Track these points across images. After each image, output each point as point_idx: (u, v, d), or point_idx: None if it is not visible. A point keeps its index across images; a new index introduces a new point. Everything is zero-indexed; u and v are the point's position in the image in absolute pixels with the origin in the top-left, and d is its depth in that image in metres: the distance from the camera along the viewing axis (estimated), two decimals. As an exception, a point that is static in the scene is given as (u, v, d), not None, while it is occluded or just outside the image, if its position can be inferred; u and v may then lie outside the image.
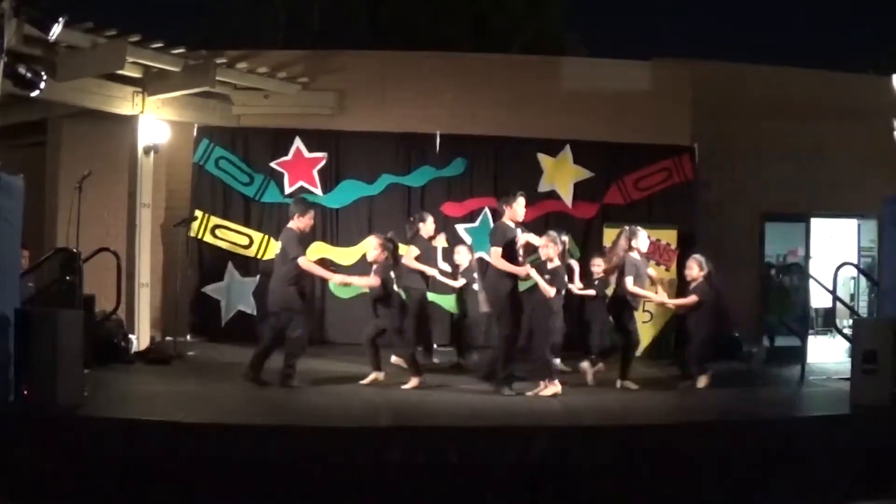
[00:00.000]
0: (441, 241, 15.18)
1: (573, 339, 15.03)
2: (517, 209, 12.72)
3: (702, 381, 13.19)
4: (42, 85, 11.28)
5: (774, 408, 12.29)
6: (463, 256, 15.05)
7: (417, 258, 14.46)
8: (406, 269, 14.26)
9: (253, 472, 9.19)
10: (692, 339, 13.46)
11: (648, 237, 14.14)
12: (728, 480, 9.77)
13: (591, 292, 14.89)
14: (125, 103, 16.00)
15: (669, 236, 16.76)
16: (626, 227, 13.91)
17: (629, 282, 13.48)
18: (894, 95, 14.12)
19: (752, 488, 9.80)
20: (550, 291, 12.28)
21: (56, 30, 11.04)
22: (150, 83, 16.09)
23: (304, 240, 13.18)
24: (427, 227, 14.79)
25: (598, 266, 14.82)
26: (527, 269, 12.45)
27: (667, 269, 16.38)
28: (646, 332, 16.76)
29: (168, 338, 16.34)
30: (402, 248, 15.93)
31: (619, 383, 13.30)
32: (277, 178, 17.61)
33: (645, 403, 12.40)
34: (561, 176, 17.93)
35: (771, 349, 17.06)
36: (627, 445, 9.91)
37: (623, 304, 13.59)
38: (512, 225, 12.65)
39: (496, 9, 32.15)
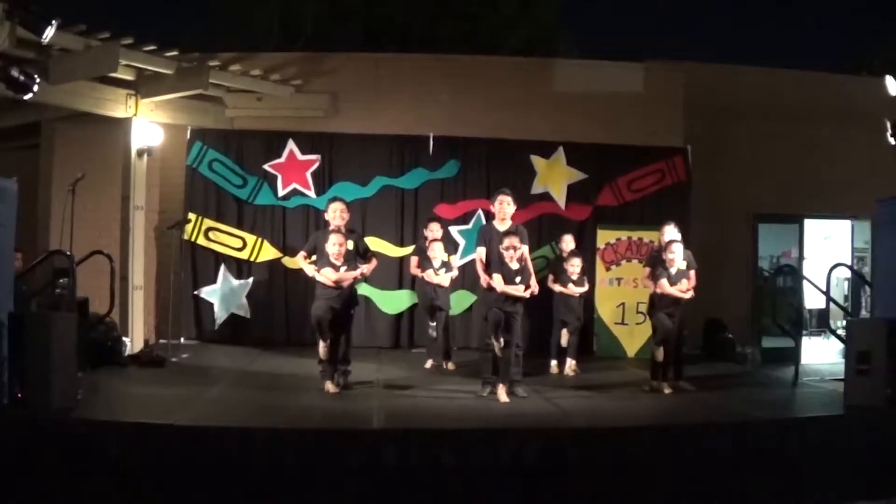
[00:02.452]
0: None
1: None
2: (495, 208, 12.88)
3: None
4: (35, 88, 11.30)
5: (768, 409, 12.27)
6: (438, 253, 15.05)
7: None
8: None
9: (247, 475, 9.19)
10: (682, 333, 13.49)
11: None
12: (722, 482, 9.78)
13: (584, 289, 15.04)
14: (118, 106, 15.99)
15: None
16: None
17: (645, 273, 13.71)
18: (887, 96, 14.12)
19: (747, 489, 9.80)
20: (484, 279, 12.41)
21: (49, 32, 11.04)
22: (144, 86, 16.06)
23: (321, 236, 13.10)
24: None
25: (574, 266, 14.93)
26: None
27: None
28: (639, 334, 16.83)
29: (162, 340, 16.32)
30: (394, 250, 16.22)
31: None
32: (271, 181, 17.59)
33: (638, 405, 12.41)
34: (554, 177, 17.94)
35: (764, 350, 17.09)
36: (621, 448, 9.91)
37: (651, 300, 13.67)
38: (497, 226, 12.74)
39: (489, 10, 32.10)
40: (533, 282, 12.33)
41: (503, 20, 32.32)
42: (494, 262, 12.35)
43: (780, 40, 48.53)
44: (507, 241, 12.13)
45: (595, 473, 9.57)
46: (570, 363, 14.85)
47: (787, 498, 9.80)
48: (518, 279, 12.07)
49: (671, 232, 13.76)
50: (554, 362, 14.99)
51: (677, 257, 13.09)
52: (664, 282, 13.02)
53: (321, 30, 31.54)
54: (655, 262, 13.59)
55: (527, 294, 12.17)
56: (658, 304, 13.27)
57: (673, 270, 13.07)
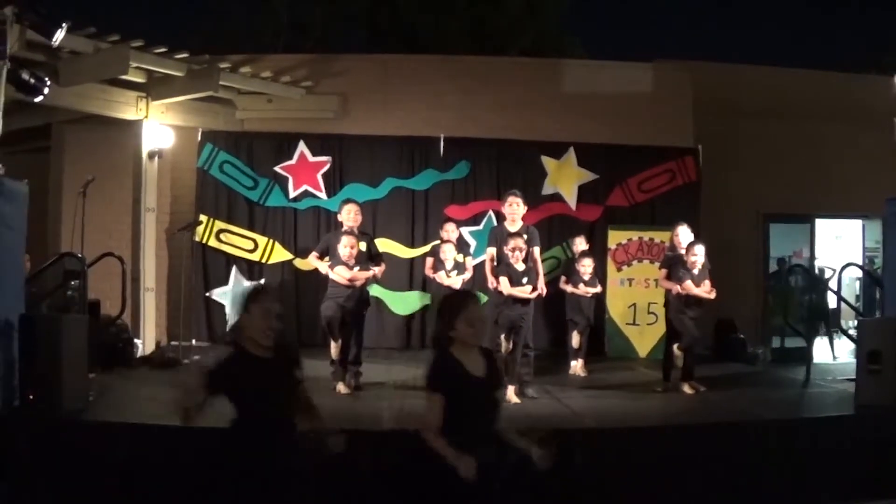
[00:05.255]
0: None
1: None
2: (505, 210, 12.86)
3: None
4: (45, 90, 11.31)
5: (779, 409, 12.25)
6: (450, 254, 14.99)
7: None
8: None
9: (256, 476, 9.19)
10: (698, 334, 13.44)
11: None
12: (733, 482, 9.76)
13: (596, 289, 15.02)
14: (129, 108, 16.03)
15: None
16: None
17: (661, 275, 13.64)
18: (896, 95, 14.11)
19: (757, 489, 9.79)
20: (492, 282, 12.45)
21: (59, 35, 11.05)
22: (154, 88, 16.10)
23: (333, 237, 13.21)
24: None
25: (585, 266, 14.93)
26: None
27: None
28: (651, 334, 16.81)
29: (173, 342, 16.33)
30: (405, 251, 16.26)
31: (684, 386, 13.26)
32: (282, 182, 17.60)
33: (649, 406, 12.39)
34: (564, 178, 17.94)
35: (778, 350, 17.07)
36: (632, 448, 9.90)
37: (668, 303, 13.64)
38: (508, 227, 12.73)
39: (495, 11, 32.10)
40: (541, 283, 12.35)
41: (510, 21, 32.32)
42: (503, 264, 12.37)
43: (790, 39, 48.55)
44: (511, 243, 12.16)
45: (605, 474, 9.57)
46: (579, 363, 14.87)
47: (797, 498, 9.79)
48: (525, 280, 12.09)
49: (685, 233, 13.72)
50: (573, 363, 14.98)
51: (699, 259, 13.07)
52: (689, 283, 12.98)
53: (328, 31, 31.59)
54: (672, 263, 13.55)
55: (533, 295, 12.18)
56: (680, 306, 13.23)
57: (695, 272, 13.06)
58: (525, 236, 12.46)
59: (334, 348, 12.53)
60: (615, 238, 17.44)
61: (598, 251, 16.55)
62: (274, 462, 6.71)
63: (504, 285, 12.09)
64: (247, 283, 17.31)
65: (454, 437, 6.32)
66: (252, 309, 6.37)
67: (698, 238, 13.75)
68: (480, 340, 6.48)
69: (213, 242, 17.36)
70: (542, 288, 12.38)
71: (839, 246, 20.92)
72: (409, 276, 17.68)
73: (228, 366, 6.46)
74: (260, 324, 6.35)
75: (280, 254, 17.54)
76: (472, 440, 6.37)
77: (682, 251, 13.39)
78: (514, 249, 12.12)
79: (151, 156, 16.37)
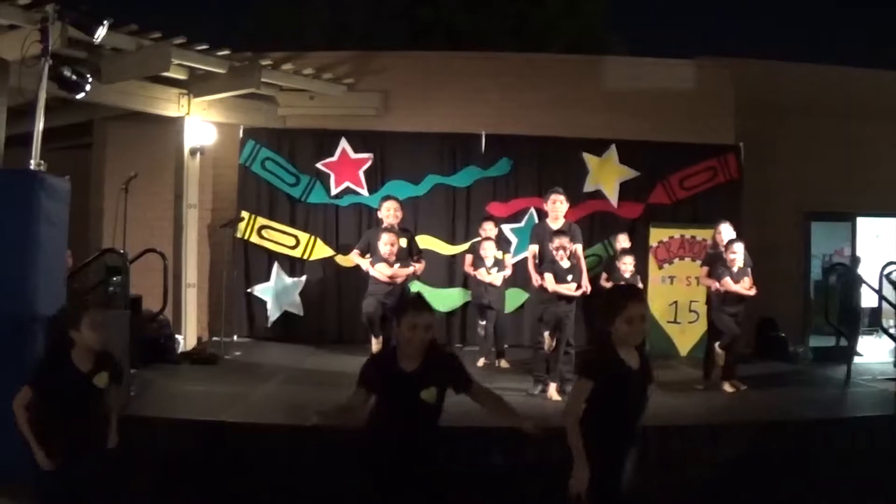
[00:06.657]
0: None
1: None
2: (548, 207, 12.86)
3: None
4: (87, 87, 11.32)
5: (819, 408, 12.20)
6: (490, 251, 15.03)
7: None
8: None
9: (297, 472, 9.23)
10: (739, 332, 13.40)
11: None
12: (771, 481, 9.73)
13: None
14: (171, 105, 16.07)
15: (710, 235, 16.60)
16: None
17: (702, 273, 13.64)
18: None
19: (796, 490, 9.75)
20: (536, 279, 12.46)
21: (100, 32, 11.07)
22: (196, 85, 16.15)
23: (373, 234, 13.64)
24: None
25: (626, 264, 14.86)
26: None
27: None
28: (692, 332, 16.75)
29: (214, 338, 16.39)
30: (446, 248, 16.27)
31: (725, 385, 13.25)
32: (324, 179, 17.62)
33: (690, 404, 12.35)
34: (606, 175, 17.87)
35: (816, 349, 16.99)
36: (670, 445, 9.89)
37: (709, 301, 13.65)
38: (550, 224, 12.72)
39: (535, 9, 32.00)
40: (585, 280, 12.35)
41: (550, 19, 32.24)
42: (547, 261, 12.37)
43: (831, 36, 48.32)
44: (556, 241, 12.17)
45: (645, 471, 9.56)
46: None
47: (836, 499, 9.74)
48: (570, 277, 12.10)
49: (727, 231, 13.71)
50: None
51: (738, 257, 13.04)
52: (728, 280, 12.96)
53: (370, 29, 31.61)
54: (713, 261, 13.55)
55: (578, 293, 12.18)
56: (721, 304, 13.21)
57: (734, 269, 13.04)
58: (568, 234, 12.47)
59: (375, 345, 12.61)
60: (657, 236, 17.38)
61: (639, 249, 16.50)
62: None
63: (549, 282, 12.10)
64: (288, 280, 17.38)
65: (602, 429, 6.30)
66: (401, 322, 6.46)
67: (740, 236, 13.73)
68: (638, 339, 6.44)
69: (254, 239, 17.42)
70: (586, 285, 12.38)
71: (879, 244, 20.77)
72: (449, 273, 17.66)
73: (380, 365, 6.70)
74: (406, 335, 6.42)
75: (322, 250, 17.56)
76: (619, 435, 6.48)
77: (724, 249, 13.39)
78: (558, 248, 12.13)
79: (193, 152, 16.40)
